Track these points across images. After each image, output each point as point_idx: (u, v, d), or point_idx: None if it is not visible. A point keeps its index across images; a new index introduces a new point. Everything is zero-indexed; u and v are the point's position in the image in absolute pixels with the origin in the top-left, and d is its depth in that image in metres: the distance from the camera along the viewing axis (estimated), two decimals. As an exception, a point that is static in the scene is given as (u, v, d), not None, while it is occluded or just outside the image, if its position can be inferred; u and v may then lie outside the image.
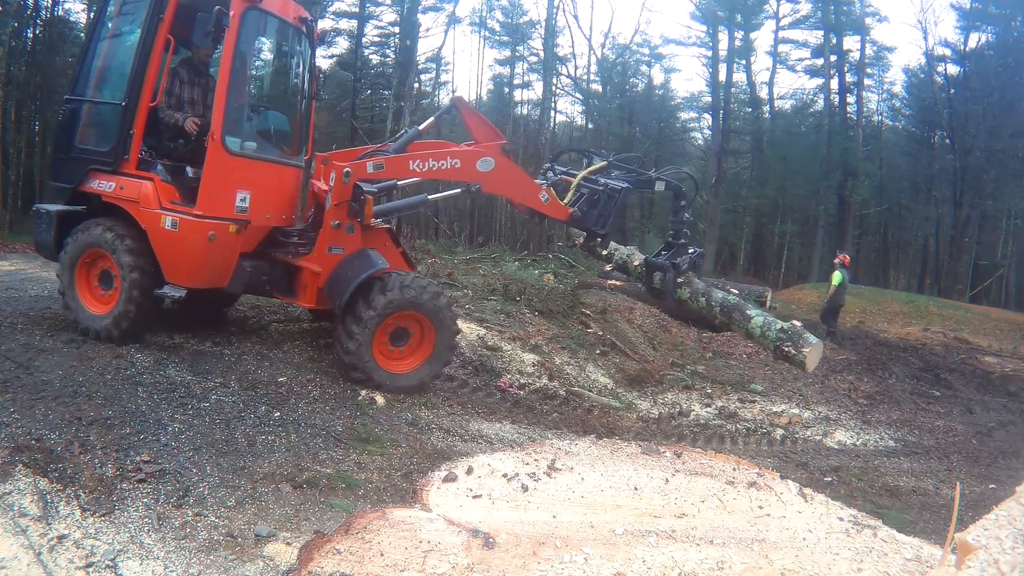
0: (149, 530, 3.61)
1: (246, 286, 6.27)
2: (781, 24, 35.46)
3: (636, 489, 2.25)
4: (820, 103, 36.31)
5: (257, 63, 6.34)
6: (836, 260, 14.83)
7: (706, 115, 39.52)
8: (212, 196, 5.75)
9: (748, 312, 6.82)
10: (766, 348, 6.79)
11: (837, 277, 14.11)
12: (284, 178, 6.53)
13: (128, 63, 5.92)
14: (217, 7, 5.53)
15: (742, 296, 14.38)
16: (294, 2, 6.49)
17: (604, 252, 8.57)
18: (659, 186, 7.01)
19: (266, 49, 6.49)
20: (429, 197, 7.02)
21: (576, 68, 37.19)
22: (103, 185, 5.94)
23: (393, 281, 5.97)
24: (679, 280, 6.92)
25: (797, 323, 6.62)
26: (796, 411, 8.57)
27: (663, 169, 7.36)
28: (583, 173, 6.77)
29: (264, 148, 6.27)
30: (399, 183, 6.59)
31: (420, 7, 28.30)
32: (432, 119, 8.09)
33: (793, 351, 6.29)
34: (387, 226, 6.79)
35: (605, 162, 6.87)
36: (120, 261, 5.79)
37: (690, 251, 6.95)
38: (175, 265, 5.77)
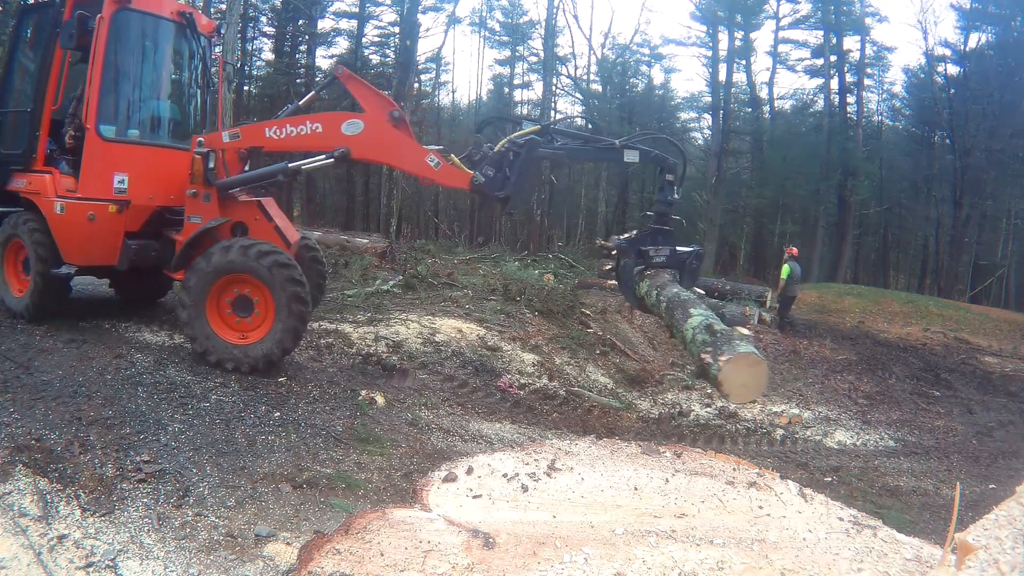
0: (149, 530, 3.61)
1: (134, 263, 6.59)
2: (781, 24, 35.44)
3: (636, 489, 2.25)
4: (820, 103, 36.29)
5: (137, 57, 6.83)
6: (785, 254, 15.11)
7: (706, 115, 39.51)
8: (90, 180, 6.37)
9: (691, 311, 4.85)
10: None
11: (785, 270, 14.44)
12: (170, 161, 6.85)
13: (35, 75, 6.80)
14: (79, 12, 6.23)
15: (716, 297, 14.33)
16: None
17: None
18: (630, 156, 5.68)
19: (147, 44, 6.93)
20: (290, 165, 6.37)
21: (576, 68, 37.21)
22: (19, 182, 6.78)
23: (217, 246, 5.99)
24: (644, 272, 5.52)
25: (744, 330, 4.75)
26: (796, 411, 8.57)
27: (631, 136, 5.87)
28: (504, 141, 5.70)
29: (148, 134, 6.88)
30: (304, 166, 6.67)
31: (420, 7, 28.29)
32: (313, 93, 8.23)
33: (710, 360, 4.29)
34: (253, 198, 6.65)
35: (538, 126, 5.83)
36: (29, 247, 6.54)
37: (688, 248, 5.58)
38: (66, 245, 6.41)
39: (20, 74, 7.15)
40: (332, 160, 6.04)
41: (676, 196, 5.54)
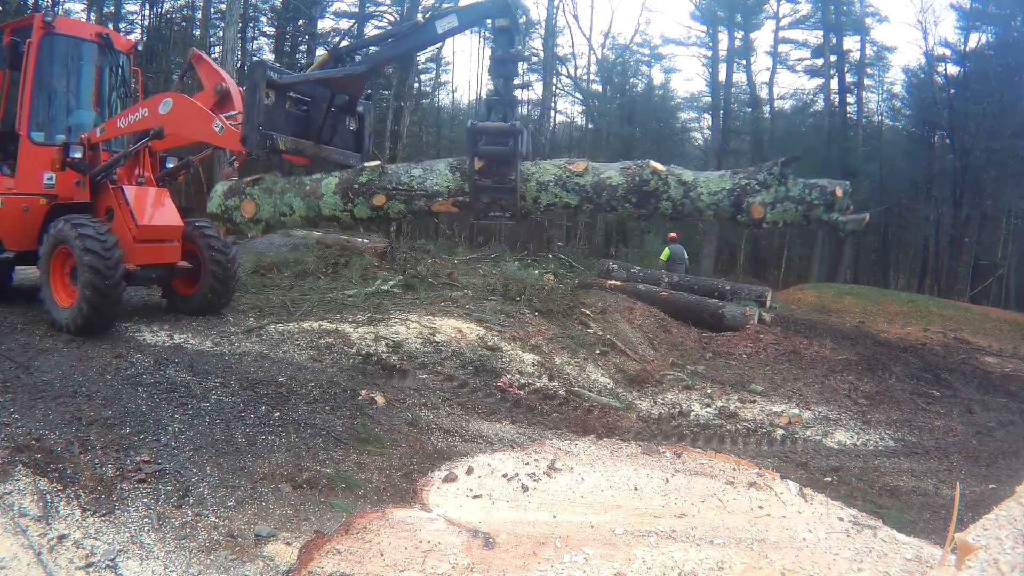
0: (149, 530, 3.61)
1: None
2: (781, 24, 35.47)
3: (636, 489, 2.25)
4: (820, 103, 36.31)
5: (62, 73, 7.88)
6: (668, 238, 16.76)
7: (706, 115, 39.51)
8: (24, 177, 7.43)
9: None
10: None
11: (665, 253, 16.13)
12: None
13: None
14: (10, 39, 7.48)
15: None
16: (89, 23, 8.59)
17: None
18: (443, 25, 4.34)
19: (70, 62, 7.98)
20: (131, 149, 7.29)
21: (576, 68, 37.20)
22: None
23: (57, 220, 6.83)
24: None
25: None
26: (796, 411, 8.57)
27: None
28: (298, 77, 4.83)
29: (72, 139, 7.68)
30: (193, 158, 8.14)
31: (420, 7, 28.29)
32: (176, 80, 8.92)
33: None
34: (112, 184, 7.39)
35: (326, 52, 5.07)
36: None
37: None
38: (5, 234, 7.46)
39: None
40: (150, 140, 6.72)
41: (516, 48, 4.21)
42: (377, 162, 4.43)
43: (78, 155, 7.17)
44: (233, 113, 6.23)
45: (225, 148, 6.46)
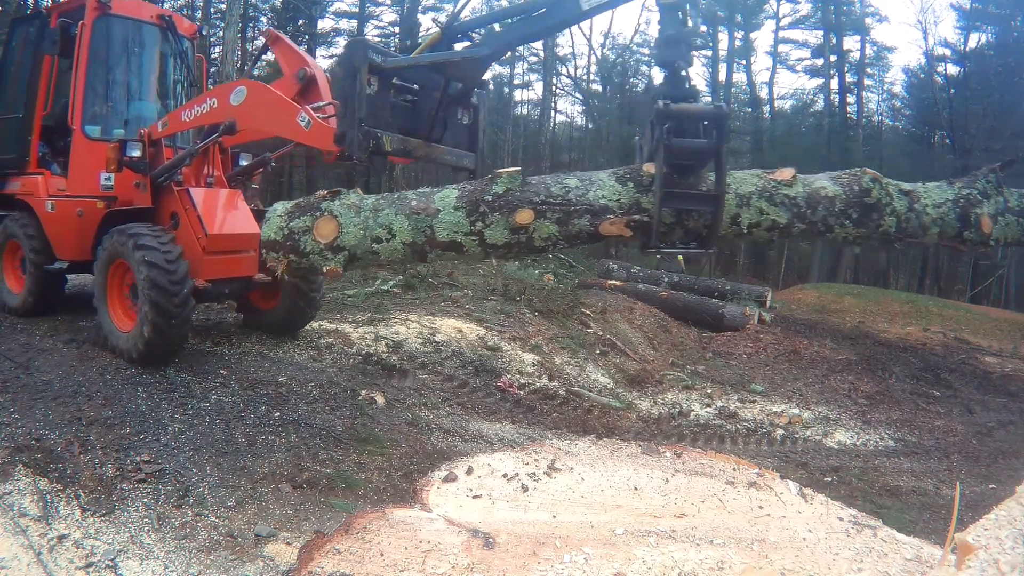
0: (149, 530, 3.61)
1: None
2: (781, 24, 35.46)
3: (636, 489, 2.25)
4: (820, 103, 36.28)
5: (119, 60, 7.06)
6: None
7: (706, 115, 39.37)
8: (78, 178, 6.61)
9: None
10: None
11: None
12: None
13: (25, 83, 7.14)
14: (61, 20, 6.63)
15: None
16: (149, 3, 7.44)
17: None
18: (590, 1, 3.56)
19: (128, 47, 7.17)
20: (199, 146, 6.27)
21: (576, 68, 37.21)
22: (13, 185, 7.13)
23: (113, 230, 5.95)
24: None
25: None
26: (796, 411, 8.57)
27: None
28: (407, 60, 4.11)
29: (132, 133, 6.83)
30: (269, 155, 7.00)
31: (420, 7, 28.32)
32: (253, 62, 8.25)
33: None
34: (178, 186, 6.39)
35: (438, 30, 4.12)
36: (23, 245, 6.81)
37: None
38: (57, 241, 6.65)
39: (13, 83, 7.46)
40: (221, 136, 5.74)
41: (692, 24, 3.41)
42: (516, 168, 3.27)
43: (137, 153, 6.23)
44: (321, 104, 5.38)
45: (314, 147, 5.25)
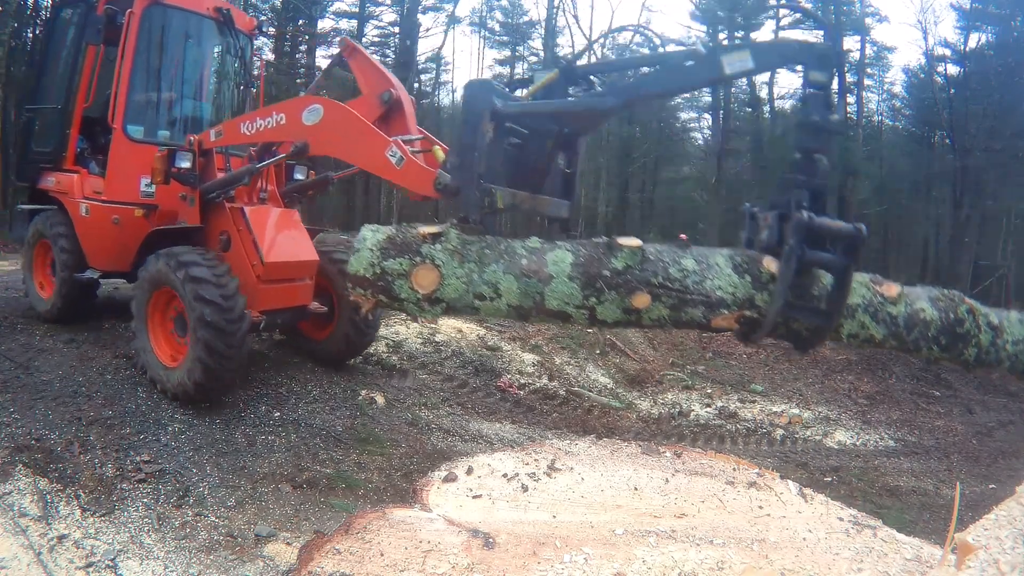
0: (149, 530, 3.61)
1: None
2: (781, 24, 35.46)
3: (636, 489, 2.25)
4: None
5: (169, 54, 6.39)
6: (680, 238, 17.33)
7: (706, 115, 39.52)
8: (117, 182, 6.00)
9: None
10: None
11: None
12: None
13: (67, 72, 6.54)
14: (107, 7, 5.92)
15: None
16: None
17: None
18: (736, 63, 3.21)
19: (180, 41, 6.51)
20: (258, 165, 5.62)
21: (576, 68, 37.09)
22: (48, 181, 6.55)
23: (156, 253, 5.31)
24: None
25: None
26: (796, 411, 8.57)
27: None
28: (530, 106, 3.64)
29: (178, 136, 6.33)
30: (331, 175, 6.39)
31: (420, 7, 28.32)
32: (320, 76, 7.47)
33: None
34: (232, 204, 5.74)
35: (555, 71, 3.74)
36: (54, 248, 6.32)
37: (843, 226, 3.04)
38: (90, 249, 6.11)
39: (54, 71, 6.88)
40: (290, 157, 5.11)
41: (835, 115, 3.26)
42: (636, 241, 3.04)
43: (187, 164, 5.51)
44: (412, 138, 4.82)
45: (407, 189, 4.41)
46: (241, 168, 5.76)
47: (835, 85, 2.87)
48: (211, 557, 3.48)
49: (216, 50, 6.98)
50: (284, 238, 5.84)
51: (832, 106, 3.11)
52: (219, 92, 7.20)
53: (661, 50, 3.68)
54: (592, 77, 3.74)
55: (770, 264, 3.01)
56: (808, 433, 7.92)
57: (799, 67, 3.23)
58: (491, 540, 1.82)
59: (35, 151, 6.84)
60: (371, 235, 2.92)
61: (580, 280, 2.90)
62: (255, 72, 7.09)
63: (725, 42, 34.03)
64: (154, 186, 5.79)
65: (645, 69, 3.72)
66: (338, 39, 6.07)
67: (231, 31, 6.66)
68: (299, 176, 6.43)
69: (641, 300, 2.90)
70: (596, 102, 3.48)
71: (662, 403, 8.25)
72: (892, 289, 3.20)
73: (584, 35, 33.73)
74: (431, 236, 2.90)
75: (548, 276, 2.90)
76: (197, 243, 5.60)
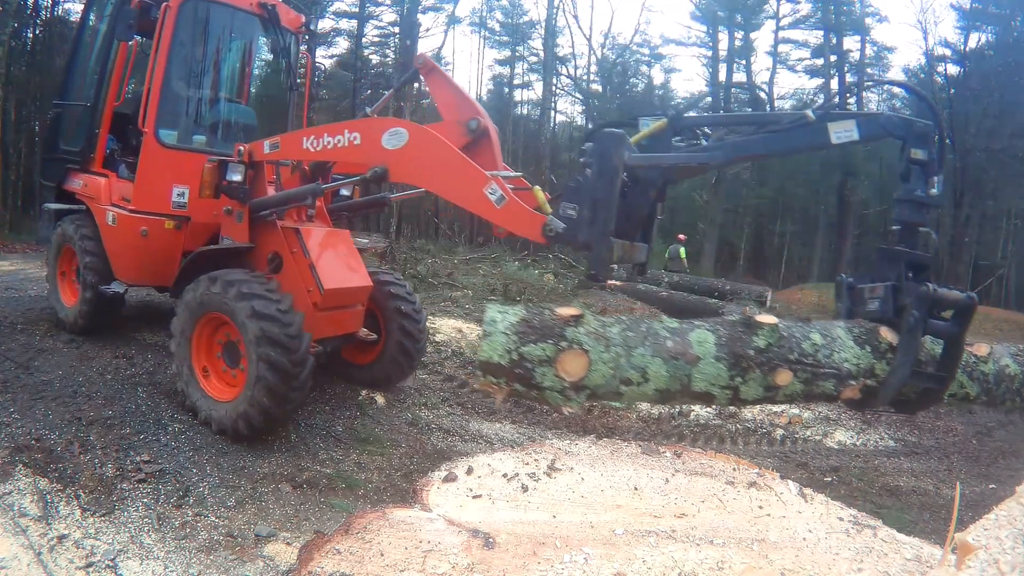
0: (149, 530, 3.61)
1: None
2: (781, 24, 35.47)
3: (636, 489, 2.25)
4: (820, 103, 36.26)
5: (208, 53, 5.95)
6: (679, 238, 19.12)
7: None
8: (146, 191, 5.58)
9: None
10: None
11: (683, 252, 18.48)
12: None
13: (97, 67, 6.11)
14: (142, 1, 5.56)
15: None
16: None
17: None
18: (841, 133, 3.39)
19: (221, 38, 6.05)
20: (323, 186, 5.21)
21: (576, 68, 37.22)
22: (75, 183, 6.19)
23: (203, 276, 4.87)
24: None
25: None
26: (796, 411, 8.57)
27: (836, 94, 3.65)
28: (652, 159, 3.64)
29: (215, 142, 5.94)
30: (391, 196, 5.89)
31: (420, 7, 28.33)
32: (391, 92, 7.12)
33: None
34: (285, 223, 5.33)
35: (663, 119, 3.77)
36: (79, 257, 6.00)
37: (934, 290, 3.15)
38: (116, 260, 5.76)
39: (84, 65, 6.47)
40: (365, 181, 4.60)
41: (935, 190, 3.35)
42: (773, 318, 3.16)
43: (238, 177, 5.10)
44: (510, 174, 4.45)
45: (509, 230, 4.02)
46: (305, 187, 5.27)
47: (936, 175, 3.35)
48: (211, 557, 3.48)
49: (259, 49, 6.51)
50: (340, 262, 5.46)
51: (928, 181, 3.33)
52: (260, 94, 6.76)
53: (767, 107, 3.87)
54: (700, 130, 3.80)
55: (887, 334, 3.18)
56: (808, 433, 7.92)
57: (906, 148, 3.36)
58: (491, 540, 1.82)
59: (62, 150, 6.47)
60: (501, 317, 2.75)
61: (727, 360, 2.91)
62: (301, 73, 6.55)
63: (735, 43, 34.04)
64: (186, 193, 5.55)
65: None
66: (416, 56, 5.66)
67: (276, 28, 6.16)
68: (345, 193, 6.01)
69: (783, 377, 2.96)
70: (708, 158, 3.57)
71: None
72: (982, 349, 3.47)
73: (584, 35, 33.75)
74: (572, 319, 2.78)
75: (695, 358, 2.88)
76: (241, 263, 5.19)
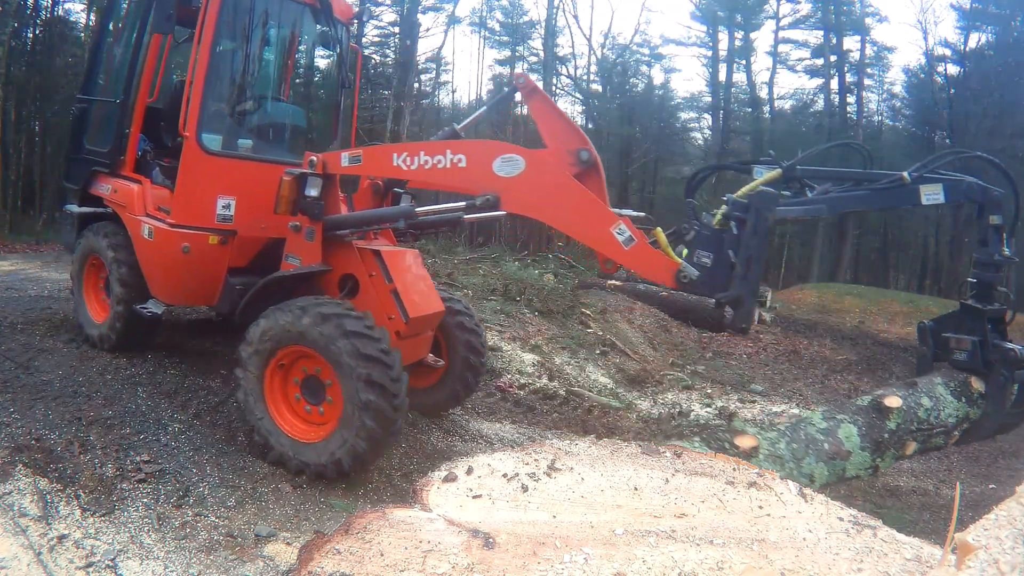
0: (149, 530, 3.61)
1: (234, 306, 5.08)
2: (781, 24, 35.51)
3: (636, 489, 2.25)
4: (820, 103, 36.34)
5: (255, 48, 5.41)
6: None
7: (706, 115, 39.59)
8: (187, 203, 5.02)
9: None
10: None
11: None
12: None
13: (128, 60, 5.57)
14: None
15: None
16: None
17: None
18: (930, 195, 4.00)
19: (269, 32, 5.56)
20: (417, 209, 4.67)
21: (576, 68, 37.27)
22: (103, 187, 5.71)
23: (281, 305, 4.44)
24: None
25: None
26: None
27: (927, 161, 4.23)
28: (740, 192, 3.94)
29: (262, 147, 5.47)
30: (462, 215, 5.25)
31: (420, 7, 28.34)
32: (484, 109, 6.90)
33: None
34: (364, 244, 4.94)
35: (778, 170, 4.10)
36: (110, 270, 5.53)
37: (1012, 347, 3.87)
38: (153, 278, 5.24)
39: (113, 59, 5.93)
40: (473, 209, 4.24)
41: (1008, 252, 3.87)
42: (898, 400, 3.77)
43: (315, 192, 4.62)
44: (636, 214, 4.26)
45: (636, 272, 4.05)
46: (397, 207, 4.93)
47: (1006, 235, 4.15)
48: (211, 557, 3.48)
49: (309, 43, 5.89)
50: (419, 287, 5.08)
51: (1003, 245, 3.94)
52: (310, 94, 6.07)
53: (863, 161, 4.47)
54: (806, 182, 4.28)
55: (976, 384, 3.84)
56: (808, 433, 7.92)
57: (982, 213, 4.13)
58: (491, 540, 1.82)
59: (88, 150, 5.91)
60: (687, 446, 3.01)
61: (870, 448, 3.58)
62: (352, 69, 5.96)
63: (735, 43, 34.00)
64: (232, 205, 5.04)
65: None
66: (515, 74, 5.30)
67: (328, 20, 5.49)
68: (404, 203, 5.57)
69: (910, 447, 3.68)
70: (817, 211, 4.12)
71: (662, 403, 8.26)
72: None
73: (584, 35, 33.79)
74: (753, 449, 3.38)
75: (847, 452, 3.52)
76: (310, 287, 4.80)
